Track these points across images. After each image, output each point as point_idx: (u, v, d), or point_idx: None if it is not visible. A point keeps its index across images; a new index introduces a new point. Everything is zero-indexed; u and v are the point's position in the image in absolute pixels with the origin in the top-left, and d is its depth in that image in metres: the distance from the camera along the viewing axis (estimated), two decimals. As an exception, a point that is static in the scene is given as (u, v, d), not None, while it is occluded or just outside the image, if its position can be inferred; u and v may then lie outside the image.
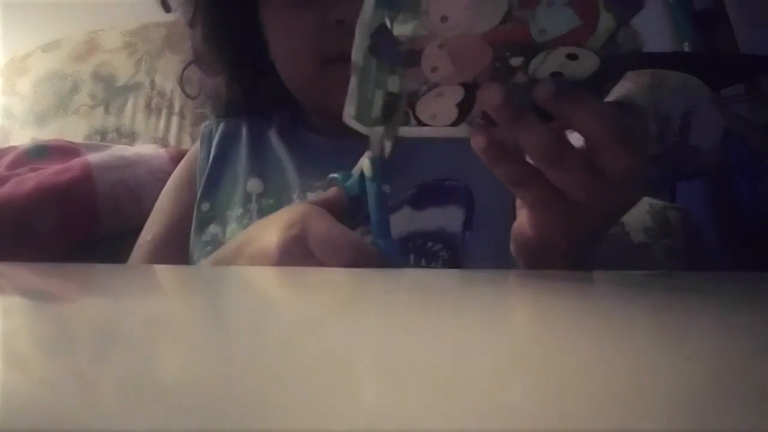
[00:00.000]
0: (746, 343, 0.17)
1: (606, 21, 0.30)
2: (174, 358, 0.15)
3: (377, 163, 0.40)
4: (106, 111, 1.03)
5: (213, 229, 0.58)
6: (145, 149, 0.89)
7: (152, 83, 1.03)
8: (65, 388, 0.12)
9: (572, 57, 0.31)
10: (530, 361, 0.15)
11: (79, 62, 1.06)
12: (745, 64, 1.52)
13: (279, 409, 0.11)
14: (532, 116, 0.32)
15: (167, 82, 1.02)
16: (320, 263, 0.36)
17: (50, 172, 0.79)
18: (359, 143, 0.38)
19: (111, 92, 1.04)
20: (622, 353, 0.15)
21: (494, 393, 0.12)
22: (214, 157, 0.62)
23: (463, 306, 0.24)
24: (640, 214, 0.76)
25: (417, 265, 0.52)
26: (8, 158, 0.85)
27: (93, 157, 0.83)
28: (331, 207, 0.40)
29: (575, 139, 0.33)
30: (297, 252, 0.37)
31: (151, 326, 0.19)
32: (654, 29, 1.57)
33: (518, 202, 0.38)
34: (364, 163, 0.40)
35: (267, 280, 0.34)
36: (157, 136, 1.00)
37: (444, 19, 0.29)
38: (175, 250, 0.60)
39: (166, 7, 0.63)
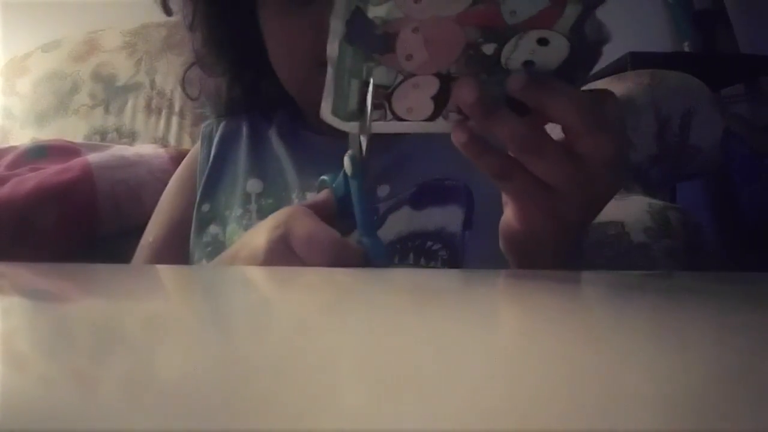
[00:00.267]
0: (746, 343, 0.17)
1: (573, 4, 0.31)
2: (174, 358, 0.15)
3: (357, 161, 0.40)
4: (106, 111, 1.03)
5: (213, 229, 0.58)
6: (145, 149, 0.89)
7: (152, 83, 1.03)
8: (65, 388, 0.12)
9: (543, 42, 0.32)
10: (529, 361, 0.15)
11: (79, 62, 1.06)
12: (745, 64, 1.53)
13: (277, 408, 0.11)
14: (504, 110, 0.33)
15: (167, 82, 1.02)
16: (304, 263, 0.36)
17: (50, 172, 0.79)
18: None
19: (111, 92, 1.04)
20: (621, 353, 0.15)
21: (492, 393, 0.12)
22: (214, 157, 0.62)
23: (458, 306, 0.24)
24: (640, 214, 0.76)
25: (416, 264, 0.52)
26: (8, 158, 0.85)
27: (93, 157, 0.83)
28: (321, 209, 0.40)
29: (555, 133, 0.33)
30: (281, 252, 0.37)
31: (150, 326, 0.19)
32: (654, 29, 1.57)
33: (504, 197, 0.39)
34: (345, 161, 0.41)
35: (264, 280, 0.34)
36: (157, 136, 1.00)
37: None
38: (176, 251, 0.60)
39: (167, 11, 0.63)
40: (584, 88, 0.35)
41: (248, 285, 0.33)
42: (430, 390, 0.12)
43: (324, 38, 0.32)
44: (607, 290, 0.31)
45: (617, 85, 0.85)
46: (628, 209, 0.77)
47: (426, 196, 0.55)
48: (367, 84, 0.33)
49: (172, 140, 1.00)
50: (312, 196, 0.53)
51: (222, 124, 0.65)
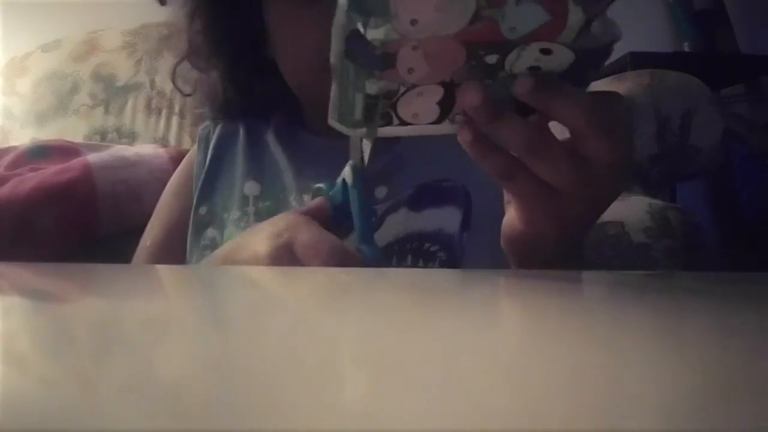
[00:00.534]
0: (746, 343, 0.17)
1: (575, 15, 0.30)
2: (173, 358, 0.15)
3: (358, 170, 0.40)
4: (106, 111, 1.03)
5: (210, 232, 0.58)
6: (145, 149, 0.89)
7: (152, 83, 1.03)
8: (65, 388, 0.12)
9: (546, 52, 0.32)
10: (528, 361, 0.15)
11: (79, 62, 1.06)
12: (745, 64, 1.53)
13: (277, 408, 0.11)
14: (509, 113, 0.33)
15: (167, 83, 1.02)
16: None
17: (50, 172, 0.79)
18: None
19: (111, 92, 1.04)
20: (621, 353, 0.15)
21: (491, 393, 0.12)
22: (210, 160, 0.62)
23: (457, 306, 0.24)
24: (640, 214, 0.76)
25: (414, 266, 0.52)
26: (8, 158, 0.85)
27: (93, 157, 0.83)
28: (316, 216, 0.41)
29: (559, 131, 0.33)
30: (285, 260, 0.38)
31: (150, 326, 0.19)
32: (654, 29, 1.57)
33: (506, 197, 0.39)
34: (346, 171, 0.41)
35: (263, 280, 0.34)
36: (157, 136, 1.00)
37: (414, 22, 0.30)
38: (173, 254, 0.59)
39: (161, 0, 0.63)
40: (589, 88, 0.35)
41: (248, 284, 0.33)
42: (430, 389, 0.12)
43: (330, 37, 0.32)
44: (607, 290, 0.31)
45: (617, 85, 0.85)
46: (628, 209, 0.77)
47: (424, 197, 0.55)
48: (370, 96, 0.33)
49: (172, 140, 1.00)
50: (309, 201, 0.54)
51: (219, 127, 0.65)
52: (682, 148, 0.82)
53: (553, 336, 0.17)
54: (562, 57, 0.32)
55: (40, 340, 0.17)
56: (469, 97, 0.32)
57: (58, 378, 0.13)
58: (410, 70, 0.32)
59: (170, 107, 1.02)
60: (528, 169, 0.34)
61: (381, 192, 0.55)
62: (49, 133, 1.00)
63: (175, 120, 1.01)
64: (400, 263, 0.52)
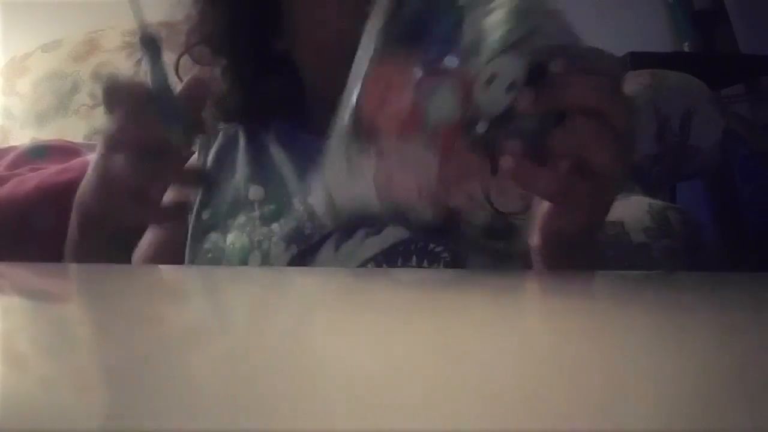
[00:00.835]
0: (746, 343, 0.17)
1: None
2: (173, 358, 0.15)
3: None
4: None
5: (214, 236, 0.58)
6: (145, 149, 0.89)
7: (152, 83, 1.03)
8: (65, 388, 0.12)
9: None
10: (529, 361, 0.15)
11: (79, 62, 1.06)
12: (745, 64, 1.53)
13: (277, 408, 0.11)
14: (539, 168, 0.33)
15: (167, 82, 1.02)
16: None
17: (50, 172, 0.79)
18: None
19: (111, 92, 1.03)
20: (621, 353, 0.15)
21: (492, 392, 0.12)
22: (211, 166, 0.62)
23: (460, 306, 0.24)
24: (640, 214, 0.76)
25: (419, 266, 0.52)
26: (8, 158, 0.85)
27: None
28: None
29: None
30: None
31: (150, 326, 0.19)
32: (654, 29, 1.57)
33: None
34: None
35: (263, 280, 0.34)
36: (157, 136, 1.00)
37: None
38: (171, 257, 0.60)
39: None
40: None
41: (245, 285, 0.33)
42: (431, 389, 0.12)
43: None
44: (607, 290, 0.31)
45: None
46: (628, 209, 0.77)
47: None
48: None
49: (172, 140, 0.99)
50: (312, 203, 0.54)
51: (219, 133, 0.65)
52: (682, 148, 0.82)
53: (554, 336, 0.17)
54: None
55: (40, 340, 0.17)
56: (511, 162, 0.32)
57: (58, 378, 0.13)
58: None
59: (170, 107, 1.01)
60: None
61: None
62: (49, 133, 1.00)
63: (175, 120, 1.01)
64: (405, 264, 0.52)
